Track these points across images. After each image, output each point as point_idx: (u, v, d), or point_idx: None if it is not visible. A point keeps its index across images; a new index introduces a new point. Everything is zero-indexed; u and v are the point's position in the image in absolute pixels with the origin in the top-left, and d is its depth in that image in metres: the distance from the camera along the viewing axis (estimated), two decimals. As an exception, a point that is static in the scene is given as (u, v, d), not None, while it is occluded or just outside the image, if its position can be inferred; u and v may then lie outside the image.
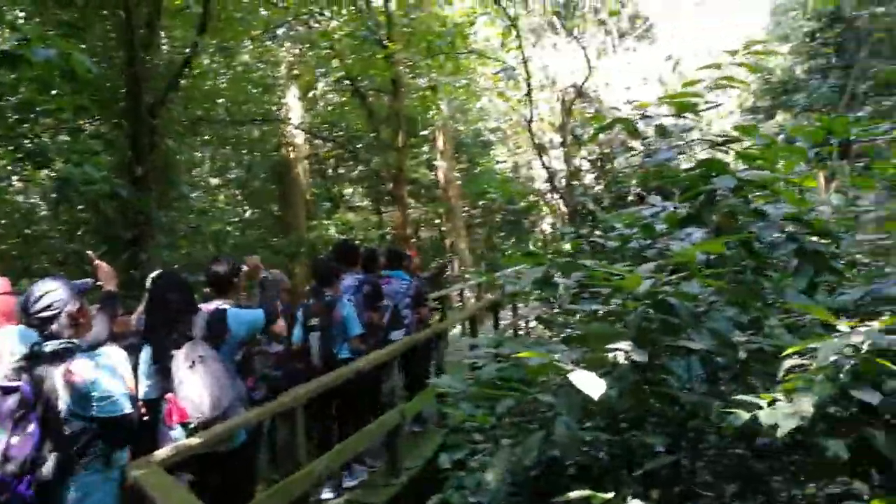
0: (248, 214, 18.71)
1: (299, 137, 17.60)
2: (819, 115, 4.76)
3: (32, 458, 2.57)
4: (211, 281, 3.87)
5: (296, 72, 16.91)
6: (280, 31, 14.49)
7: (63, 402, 2.67)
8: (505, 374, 4.01)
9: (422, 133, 18.91)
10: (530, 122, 12.80)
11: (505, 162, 21.64)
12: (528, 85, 12.01)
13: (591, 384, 2.02)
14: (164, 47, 11.61)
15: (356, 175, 21.90)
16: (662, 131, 3.30)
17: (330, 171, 21.78)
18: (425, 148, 20.10)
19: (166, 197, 10.32)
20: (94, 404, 2.71)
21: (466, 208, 21.86)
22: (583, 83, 13.41)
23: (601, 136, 12.32)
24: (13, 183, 11.23)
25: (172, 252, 9.64)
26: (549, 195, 14.43)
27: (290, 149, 17.54)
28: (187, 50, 10.27)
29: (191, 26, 10.96)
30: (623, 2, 17.65)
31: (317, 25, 14.03)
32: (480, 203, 21.65)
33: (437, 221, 21.79)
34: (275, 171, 18.16)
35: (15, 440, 2.55)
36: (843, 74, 16.60)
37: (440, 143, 19.48)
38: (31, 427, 2.59)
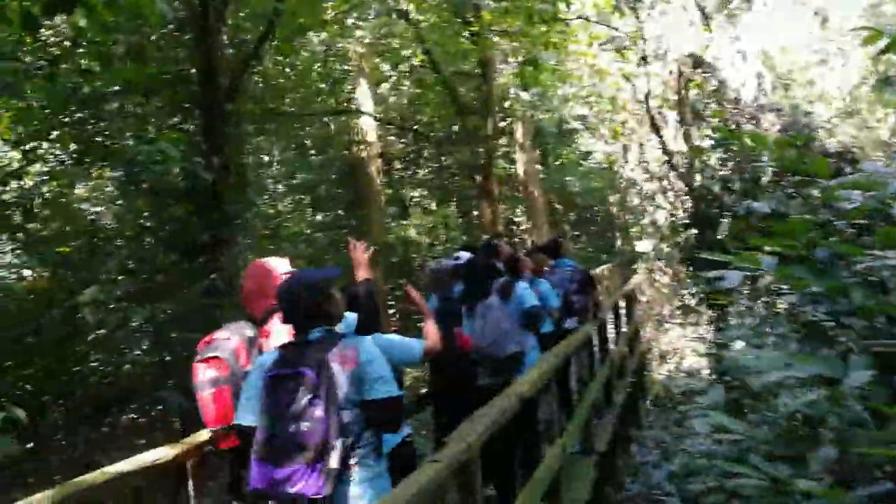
0: (319, 217, 17.54)
1: (371, 134, 16.34)
2: None
3: (322, 446, 2.53)
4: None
5: (366, 65, 15.65)
6: (349, 21, 13.19)
7: (341, 389, 2.63)
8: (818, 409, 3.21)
9: (500, 124, 17.37)
10: (647, 95, 11.05)
11: (593, 153, 19.72)
12: (644, 54, 10.34)
13: None
14: (225, 34, 10.37)
15: (426, 174, 20.57)
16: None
17: (397, 173, 20.44)
18: (503, 140, 18.50)
19: (242, 195, 9.10)
20: (368, 387, 2.66)
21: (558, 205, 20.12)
22: (701, 53, 11.59)
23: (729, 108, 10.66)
24: (76, 191, 10.32)
25: (254, 256, 8.48)
26: (664, 181, 12.64)
27: (363, 147, 16.29)
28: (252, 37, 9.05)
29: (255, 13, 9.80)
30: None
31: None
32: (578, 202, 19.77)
33: (517, 219, 20.16)
34: (345, 172, 16.91)
35: (305, 426, 2.52)
36: None
37: (519, 134, 17.87)
38: (318, 412, 2.55)
